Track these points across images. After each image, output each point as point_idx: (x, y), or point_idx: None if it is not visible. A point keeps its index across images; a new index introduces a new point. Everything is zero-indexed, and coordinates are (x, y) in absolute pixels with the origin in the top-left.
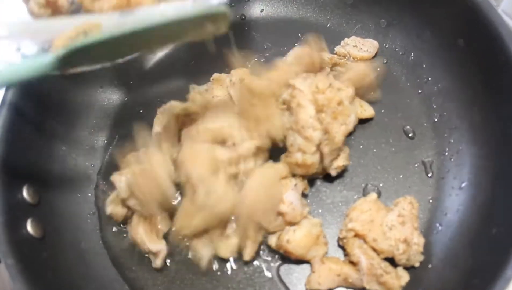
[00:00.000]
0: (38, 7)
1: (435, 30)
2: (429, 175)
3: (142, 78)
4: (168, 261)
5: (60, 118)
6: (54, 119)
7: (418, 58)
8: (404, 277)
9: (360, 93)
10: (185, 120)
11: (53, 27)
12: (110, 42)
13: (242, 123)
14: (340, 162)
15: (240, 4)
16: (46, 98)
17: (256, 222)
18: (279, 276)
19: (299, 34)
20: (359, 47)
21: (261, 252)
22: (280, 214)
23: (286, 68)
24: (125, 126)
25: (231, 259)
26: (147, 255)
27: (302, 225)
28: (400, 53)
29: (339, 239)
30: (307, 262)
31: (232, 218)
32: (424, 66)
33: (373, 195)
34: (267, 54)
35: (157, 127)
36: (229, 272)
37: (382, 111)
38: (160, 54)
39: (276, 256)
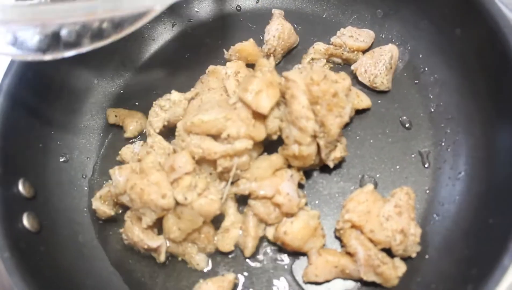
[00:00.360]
0: None
1: (432, 20)
2: (426, 165)
3: (137, 71)
4: None
5: (55, 111)
6: (50, 113)
7: (414, 48)
8: (401, 267)
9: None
10: None
11: (51, 12)
12: None
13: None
14: (338, 153)
15: None
16: (42, 91)
17: None
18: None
19: (295, 25)
20: (355, 37)
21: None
22: (276, 205)
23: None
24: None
25: None
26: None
27: (299, 217)
28: (397, 43)
29: (336, 231)
30: (304, 253)
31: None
32: (420, 56)
33: (370, 186)
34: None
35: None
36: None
37: (379, 101)
38: (155, 46)
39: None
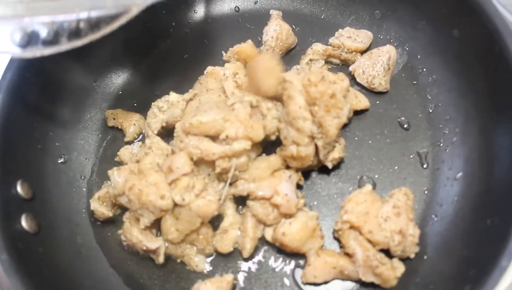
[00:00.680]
0: None
1: (430, 21)
2: (424, 166)
3: (136, 72)
4: None
5: (54, 112)
6: (48, 114)
7: (412, 49)
8: (400, 268)
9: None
10: None
11: (62, 6)
12: None
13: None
14: (336, 154)
15: None
16: (40, 92)
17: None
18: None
19: (293, 26)
20: (353, 38)
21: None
22: (274, 206)
23: None
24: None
25: None
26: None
27: (298, 218)
28: (395, 44)
29: (335, 231)
30: (303, 254)
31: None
32: (418, 57)
33: (368, 187)
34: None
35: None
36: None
37: (377, 102)
38: (153, 47)
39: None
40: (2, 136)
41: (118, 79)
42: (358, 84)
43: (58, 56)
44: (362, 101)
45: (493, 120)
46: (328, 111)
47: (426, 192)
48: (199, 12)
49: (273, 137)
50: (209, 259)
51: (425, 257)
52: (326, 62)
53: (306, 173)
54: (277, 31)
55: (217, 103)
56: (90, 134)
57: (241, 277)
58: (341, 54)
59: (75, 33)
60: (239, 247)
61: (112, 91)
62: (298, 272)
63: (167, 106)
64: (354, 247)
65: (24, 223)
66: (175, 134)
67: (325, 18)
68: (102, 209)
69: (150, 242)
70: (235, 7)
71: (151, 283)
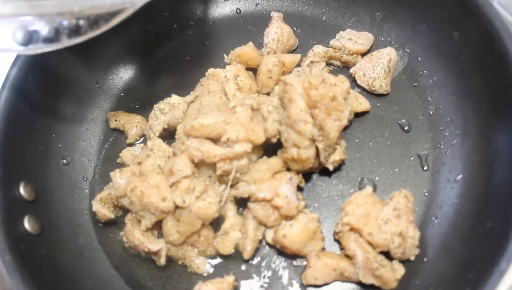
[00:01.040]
0: None
1: (431, 23)
2: (425, 168)
3: (138, 74)
4: None
5: (56, 114)
6: (51, 115)
7: (413, 51)
8: (400, 270)
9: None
10: None
11: (61, 4)
12: None
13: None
14: (337, 156)
15: None
16: (42, 95)
17: None
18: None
19: (295, 28)
20: (354, 40)
21: None
22: (275, 208)
23: None
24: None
25: None
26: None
27: (298, 220)
28: (396, 46)
29: (335, 233)
30: (303, 256)
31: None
32: (419, 59)
33: (369, 189)
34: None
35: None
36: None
37: (378, 104)
38: (155, 49)
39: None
40: (5, 138)
41: (120, 81)
42: (359, 86)
43: (61, 58)
44: (362, 103)
45: (493, 122)
46: (329, 114)
47: (426, 194)
48: (201, 14)
49: (274, 140)
50: (210, 261)
51: (425, 259)
52: (327, 64)
53: (307, 175)
54: (278, 33)
55: (218, 106)
56: (92, 135)
57: (241, 278)
58: (342, 56)
59: (75, 30)
60: (240, 248)
61: (114, 93)
62: (299, 274)
63: (169, 108)
64: (355, 249)
65: (27, 224)
66: (176, 136)
67: (326, 20)
68: (104, 211)
69: (151, 244)
70: (236, 9)
71: (153, 284)
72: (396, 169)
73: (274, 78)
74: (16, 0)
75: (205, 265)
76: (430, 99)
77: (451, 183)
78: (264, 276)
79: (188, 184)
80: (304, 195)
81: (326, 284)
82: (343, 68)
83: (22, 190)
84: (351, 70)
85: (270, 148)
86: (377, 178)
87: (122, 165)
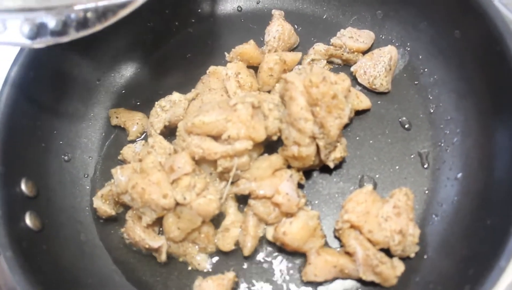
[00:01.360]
0: None
1: (432, 21)
2: (425, 166)
3: (139, 71)
4: None
5: (57, 111)
6: (52, 112)
7: (414, 49)
8: (400, 267)
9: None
10: None
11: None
12: None
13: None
14: (338, 153)
15: None
16: (44, 91)
17: None
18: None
19: (296, 26)
20: (355, 38)
21: None
22: (276, 205)
23: None
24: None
25: None
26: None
27: (299, 217)
28: (397, 44)
29: (335, 230)
30: (303, 253)
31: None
32: (420, 57)
33: (369, 187)
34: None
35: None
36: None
37: (379, 102)
38: (156, 46)
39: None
40: (7, 134)
41: (122, 78)
42: (360, 84)
43: (62, 55)
44: (363, 101)
45: (494, 120)
46: (329, 112)
47: (426, 192)
48: (202, 11)
49: (274, 138)
50: (210, 258)
51: (425, 256)
52: (328, 62)
53: (307, 172)
54: (279, 31)
55: (219, 103)
56: (93, 132)
57: (242, 275)
58: (342, 54)
59: (83, 23)
60: (240, 245)
61: (115, 90)
62: (299, 271)
63: (170, 105)
64: (355, 246)
65: (28, 220)
66: (177, 133)
67: (327, 18)
68: (105, 207)
69: (152, 240)
70: (237, 7)
71: (154, 280)
72: (397, 167)
73: (275, 76)
74: None
75: (206, 262)
76: (430, 97)
77: (451, 181)
78: (264, 273)
79: (189, 181)
80: (305, 193)
81: (326, 281)
82: (344, 66)
83: (23, 186)
84: (352, 68)
85: (271, 145)
86: (377, 176)
87: (123, 162)
